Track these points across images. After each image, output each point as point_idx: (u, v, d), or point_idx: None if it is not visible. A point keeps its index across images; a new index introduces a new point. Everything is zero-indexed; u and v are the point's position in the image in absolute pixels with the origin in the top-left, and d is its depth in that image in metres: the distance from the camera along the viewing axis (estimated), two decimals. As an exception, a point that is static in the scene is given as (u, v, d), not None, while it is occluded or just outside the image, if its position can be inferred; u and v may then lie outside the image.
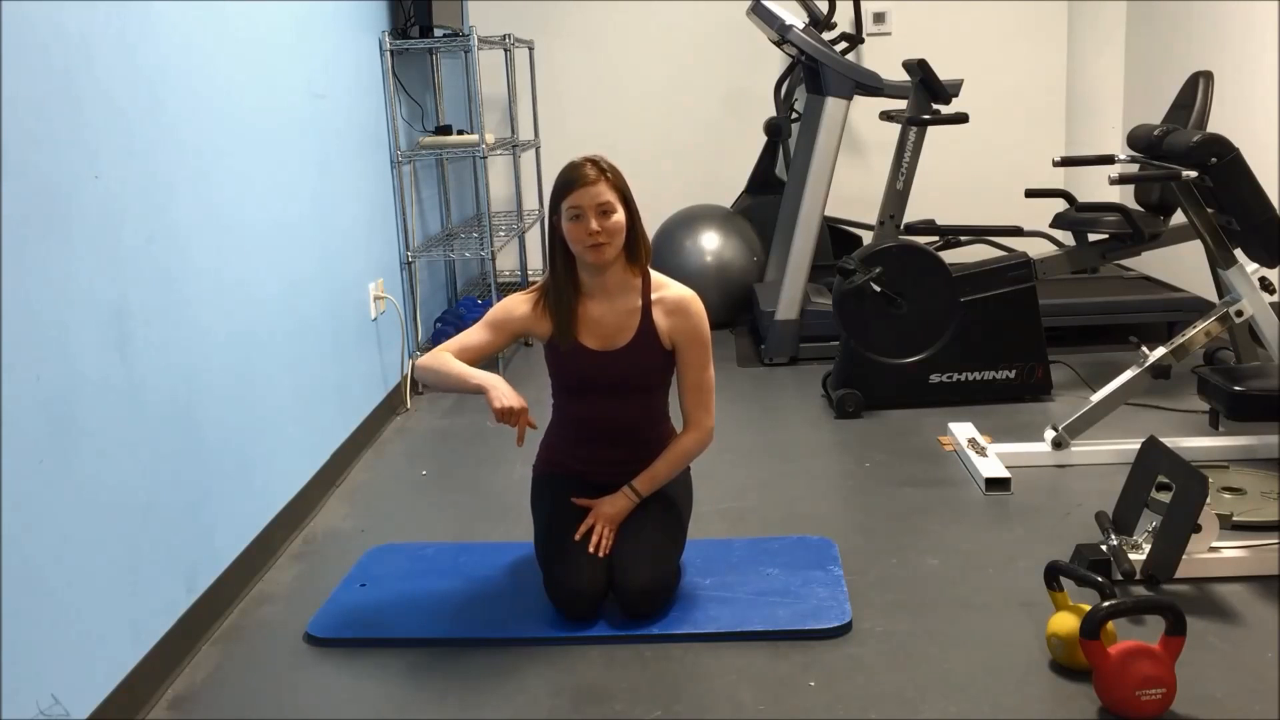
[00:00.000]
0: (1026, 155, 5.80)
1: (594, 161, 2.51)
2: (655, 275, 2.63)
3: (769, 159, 5.66)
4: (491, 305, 4.70)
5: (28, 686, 1.91)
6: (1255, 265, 3.20)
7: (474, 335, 2.63)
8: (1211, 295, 4.14)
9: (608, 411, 2.64)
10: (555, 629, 2.47)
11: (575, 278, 2.58)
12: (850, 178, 5.79)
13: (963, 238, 4.55)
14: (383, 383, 4.09)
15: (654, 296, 2.59)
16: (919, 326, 3.93)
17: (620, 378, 2.60)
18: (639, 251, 2.57)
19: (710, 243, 5.26)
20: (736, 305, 5.29)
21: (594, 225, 2.46)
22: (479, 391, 2.49)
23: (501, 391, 2.46)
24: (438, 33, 4.43)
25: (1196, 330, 3.25)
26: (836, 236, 5.42)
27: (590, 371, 2.59)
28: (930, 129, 4.35)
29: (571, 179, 2.49)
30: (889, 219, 4.41)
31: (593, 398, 2.63)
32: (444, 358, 2.57)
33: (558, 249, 2.56)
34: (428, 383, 2.64)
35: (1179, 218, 3.70)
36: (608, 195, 2.48)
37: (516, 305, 2.63)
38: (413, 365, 2.53)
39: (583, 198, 2.47)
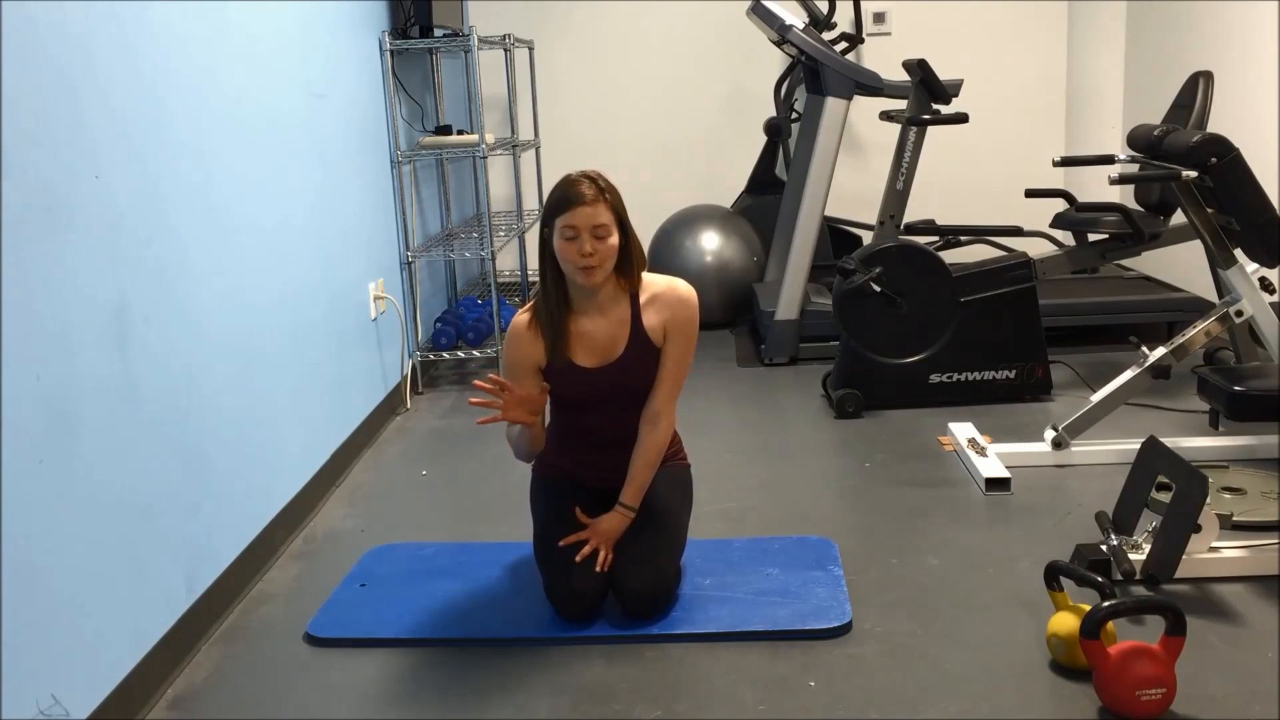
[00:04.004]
0: (1026, 155, 5.81)
1: (592, 180, 2.44)
2: (645, 276, 2.59)
3: (769, 159, 5.66)
4: (491, 306, 4.71)
5: (28, 686, 1.91)
6: (1255, 265, 3.20)
7: None
8: (1211, 295, 4.14)
9: (611, 420, 2.63)
10: (555, 629, 2.47)
11: (565, 293, 2.54)
12: (850, 178, 5.79)
13: (963, 238, 4.55)
14: (383, 383, 4.09)
15: (643, 299, 2.57)
16: (919, 326, 3.93)
17: (619, 389, 2.58)
18: (631, 269, 2.53)
19: (710, 243, 5.26)
20: (736, 305, 5.29)
21: (587, 247, 2.41)
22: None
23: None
24: (438, 33, 4.43)
25: (1196, 330, 3.25)
26: (836, 236, 5.42)
27: (588, 389, 2.58)
28: (930, 129, 4.35)
29: (569, 196, 2.42)
30: (889, 219, 4.41)
31: (594, 411, 2.62)
32: (508, 434, 2.65)
33: (549, 263, 2.50)
34: (524, 457, 2.68)
35: (1179, 218, 3.70)
36: (604, 217, 2.42)
37: (516, 340, 2.57)
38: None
39: (578, 218, 2.40)
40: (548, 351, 2.55)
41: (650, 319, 2.56)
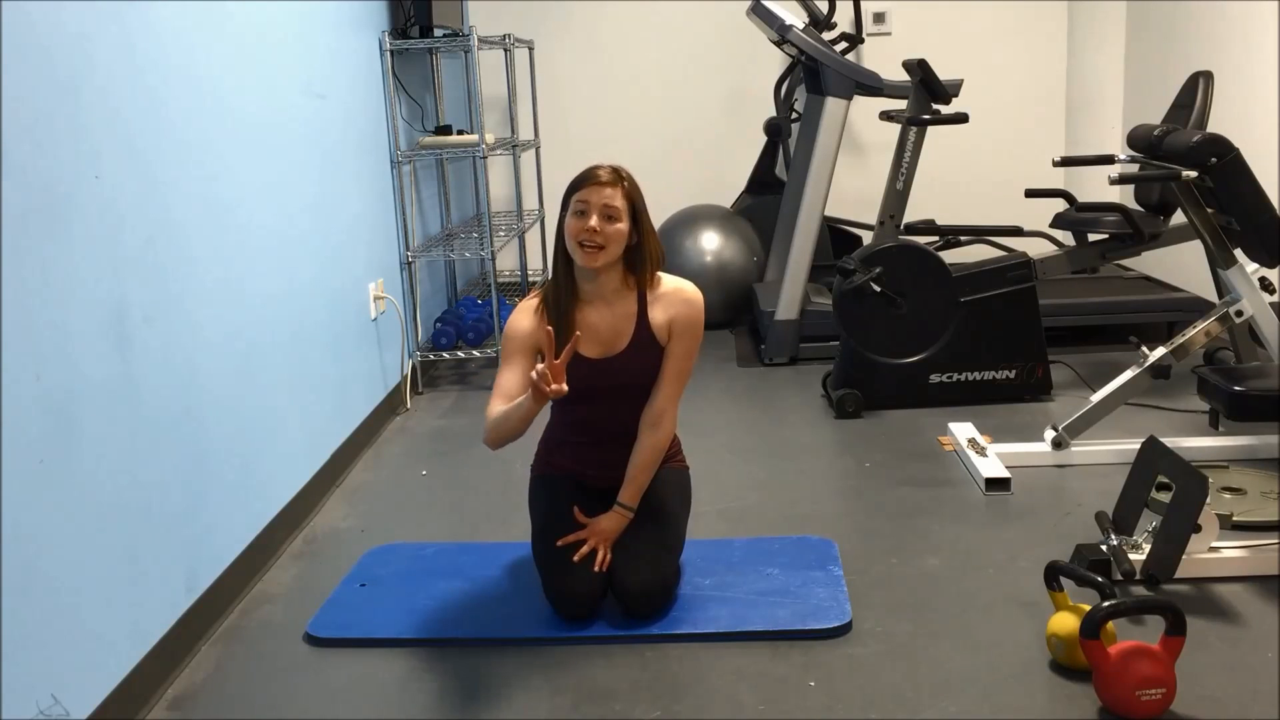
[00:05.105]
0: (1026, 155, 5.80)
1: (615, 169, 2.51)
2: (657, 275, 2.61)
3: (769, 159, 5.66)
4: (491, 306, 4.71)
5: (28, 686, 1.91)
6: (1255, 265, 3.20)
7: (505, 377, 2.53)
8: (1211, 295, 4.14)
9: (611, 415, 2.63)
10: (555, 629, 2.47)
11: (574, 282, 2.57)
12: (850, 178, 5.79)
13: (963, 238, 4.55)
14: (383, 383, 4.09)
15: (650, 296, 2.59)
16: (919, 326, 3.93)
17: (621, 382, 2.59)
18: (643, 267, 2.54)
19: (710, 243, 5.26)
20: (736, 305, 5.29)
21: (594, 224, 2.45)
22: (532, 400, 2.35)
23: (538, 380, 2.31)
24: (438, 33, 4.43)
25: (1196, 330, 3.25)
26: (836, 236, 5.42)
27: (590, 379, 2.57)
28: (930, 129, 4.35)
29: (587, 176, 2.49)
30: (889, 219, 4.41)
31: (596, 403, 2.62)
32: (492, 413, 2.49)
33: (561, 251, 2.55)
34: (499, 441, 2.50)
35: (1179, 218, 3.70)
36: (617, 201, 2.46)
37: (520, 321, 2.57)
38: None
39: (592, 195, 2.46)
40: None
41: (656, 315, 2.57)
